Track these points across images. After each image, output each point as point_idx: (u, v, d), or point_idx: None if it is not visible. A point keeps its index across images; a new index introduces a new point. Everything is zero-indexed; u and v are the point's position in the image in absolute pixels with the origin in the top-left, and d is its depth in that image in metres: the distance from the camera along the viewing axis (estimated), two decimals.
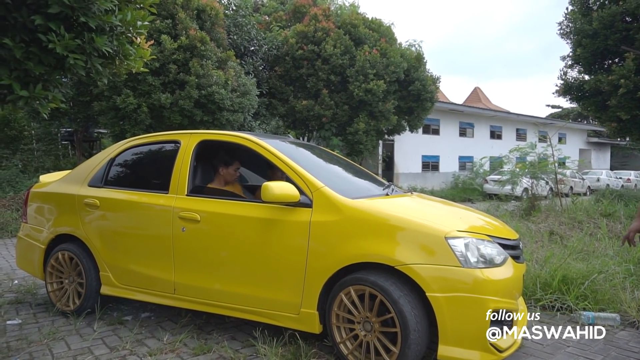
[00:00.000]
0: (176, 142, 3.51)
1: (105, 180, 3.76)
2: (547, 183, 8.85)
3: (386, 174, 19.33)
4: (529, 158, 9.00)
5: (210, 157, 3.61)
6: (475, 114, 24.27)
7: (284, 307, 2.83)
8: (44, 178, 4.35)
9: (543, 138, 24.95)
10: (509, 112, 26.92)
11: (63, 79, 2.96)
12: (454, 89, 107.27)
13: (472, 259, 2.44)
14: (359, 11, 15.23)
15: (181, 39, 9.48)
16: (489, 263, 2.50)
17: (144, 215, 3.44)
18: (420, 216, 2.70)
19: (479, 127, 24.66)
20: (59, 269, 3.80)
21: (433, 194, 17.33)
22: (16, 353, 2.95)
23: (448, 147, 22.68)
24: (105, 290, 3.60)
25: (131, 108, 9.21)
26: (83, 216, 3.69)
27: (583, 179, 20.47)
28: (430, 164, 22.14)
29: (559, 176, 8.33)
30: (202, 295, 3.15)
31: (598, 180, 22.01)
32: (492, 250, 2.56)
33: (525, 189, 10.85)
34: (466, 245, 2.47)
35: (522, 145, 9.18)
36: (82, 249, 3.69)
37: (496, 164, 18.73)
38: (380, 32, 14.40)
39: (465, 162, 23.62)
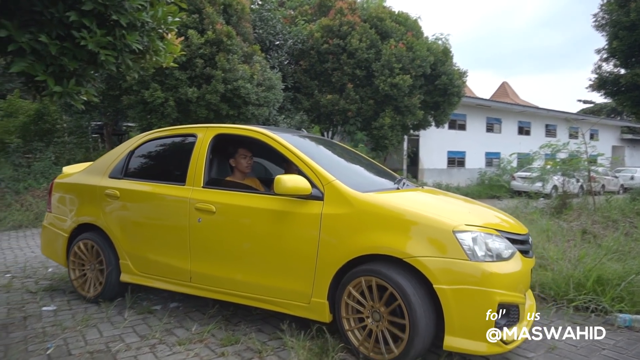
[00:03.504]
0: (193, 136, 3.61)
1: (125, 172, 3.88)
2: (577, 181, 8.57)
3: (411, 169, 19.11)
4: (560, 155, 8.73)
5: (226, 150, 3.70)
6: (503, 109, 23.69)
7: (295, 296, 2.91)
8: (67, 169, 4.50)
9: (574, 134, 24.12)
10: (538, 108, 26.20)
11: (95, 74, 3.01)
12: (480, 84, 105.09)
13: (480, 253, 2.48)
14: (385, 4, 15.04)
15: (208, 33, 9.56)
16: (497, 257, 2.54)
17: (161, 206, 3.55)
18: (429, 210, 2.74)
19: (506, 123, 24.08)
20: (81, 256, 3.95)
21: (458, 191, 17.05)
22: (51, 338, 3.06)
23: (474, 142, 22.22)
24: (124, 277, 3.73)
25: (159, 102, 9.36)
26: (104, 206, 3.82)
27: (616, 177, 19.75)
28: (456, 160, 21.75)
29: (591, 173, 8.06)
30: (216, 283, 3.25)
31: (632, 178, 21.16)
32: (500, 244, 2.59)
33: (555, 187, 10.54)
34: (474, 239, 2.51)
35: (553, 142, 8.91)
36: (103, 238, 3.82)
37: (524, 160, 18.26)
38: (407, 25, 14.19)
39: (492, 158, 23.11)
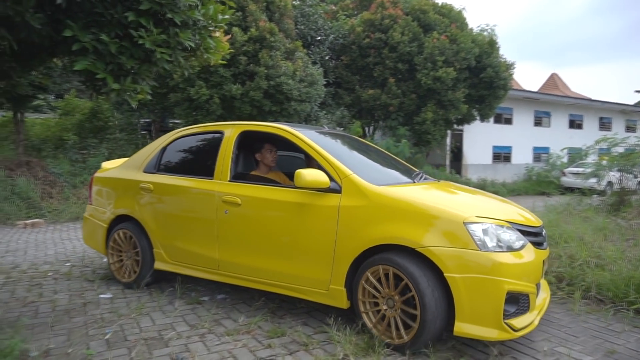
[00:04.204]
0: (220, 133, 3.81)
1: (158, 167, 4.13)
2: (635, 176, 8.06)
3: (454, 164, 18.65)
4: (617, 149, 8.23)
5: (251, 146, 3.89)
6: (553, 101, 22.64)
7: (315, 283, 3.08)
8: (105, 164, 4.79)
9: (632, 127, 22.61)
10: (591, 100, 24.84)
11: (149, 72, 3.12)
12: (528, 76, 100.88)
13: (490, 244, 2.58)
14: None
15: (251, 30, 9.71)
16: (507, 248, 2.64)
17: (191, 198, 3.78)
18: (442, 202, 2.86)
19: (556, 116, 23.00)
20: (118, 245, 4.23)
21: (504, 187, 16.49)
22: (109, 324, 3.22)
23: (521, 137, 21.39)
24: (158, 265, 3.98)
25: (204, 99, 9.61)
26: (139, 199, 4.08)
27: None
28: (502, 155, 21.03)
29: None
30: (242, 271, 3.45)
31: None
32: (510, 236, 2.70)
33: (609, 183, 9.95)
34: (484, 231, 2.61)
35: (609, 135, 8.41)
36: (138, 228, 4.08)
37: (576, 155, 17.37)
38: (451, 17, 13.84)
39: (540, 153, 22.17)
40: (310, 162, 3.70)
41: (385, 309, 2.81)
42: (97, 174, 4.64)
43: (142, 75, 2.92)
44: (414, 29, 12.94)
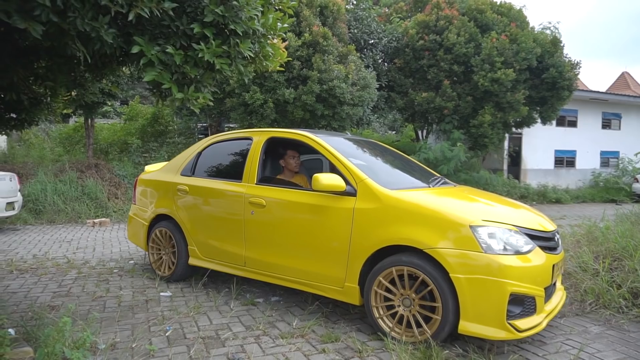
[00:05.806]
0: (249, 139, 4.07)
1: (193, 170, 4.43)
2: None
3: (512, 169, 17.81)
4: None
5: (277, 151, 4.13)
6: (624, 102, 21.05)
7: (331, 280, 3.27)
8: (148, 167, 5.16)
9: None
10: None
11: (212, 80, 3.24)
12: (596, 75, 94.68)
13: (495, 246, 2.69)
14: None
15: (305, 35, 9.82)
16: (513, 251, 2.73)
17: (222, 200, 4.04)
18: (451, 206, 3.02)
19: (627, 118, 21.37)
20: (158, 242, 4.56)
21: (568, 193, 15.57)
22: (169, 321, 3.36)
23: (587, 140, 20.06)
24: (192, 261, 4.27)
25: (258, 104, 9.82)
26: (176, 200, 4.37)
27: None
28: (565, 160, 19.85)
29: None
30: (266, 268, 3.67)
31: None
32: (518, 240, 2.79)
33: None
34: (490, 234, 2.73)
35: None
36: (175, 227, 4.37)
37: None
38: (510, 16, 13.28)
39: (608, 157, 20.69)
40: (334, 166, 3.83)
41: (405, 309, 2.95)
42: (141, 176, 5.00)
43: (204, 82, 3.02)
44: (470, 30, 12.55)
